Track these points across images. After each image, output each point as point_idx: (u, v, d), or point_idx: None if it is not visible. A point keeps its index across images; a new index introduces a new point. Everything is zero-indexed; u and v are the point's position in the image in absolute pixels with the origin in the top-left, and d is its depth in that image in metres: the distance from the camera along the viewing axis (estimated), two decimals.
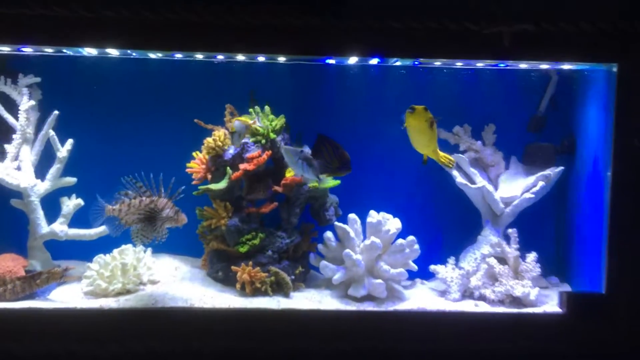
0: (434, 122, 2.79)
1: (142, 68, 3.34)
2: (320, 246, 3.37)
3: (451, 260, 3.59)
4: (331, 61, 3.32)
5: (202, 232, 3.44)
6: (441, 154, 2.99)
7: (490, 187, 3.60)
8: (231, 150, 3.39)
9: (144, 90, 3.47)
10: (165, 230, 2.97)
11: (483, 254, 3.56)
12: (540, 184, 3.54)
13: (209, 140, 3.33)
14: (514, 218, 3.63)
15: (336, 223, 3.49)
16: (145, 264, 3.34)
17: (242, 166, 3.34)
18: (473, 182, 3.65)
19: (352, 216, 3.52)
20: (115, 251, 3.31)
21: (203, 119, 3.43)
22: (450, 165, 3.04)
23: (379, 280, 3.41)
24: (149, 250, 3.45)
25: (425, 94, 3.63)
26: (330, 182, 3.46)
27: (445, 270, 3.52)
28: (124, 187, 2.90)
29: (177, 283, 3.24)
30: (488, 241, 3.62)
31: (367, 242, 3.42)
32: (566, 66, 3.27)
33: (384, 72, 3.68)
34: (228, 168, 3.32)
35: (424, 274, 3.49)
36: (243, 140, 3.42)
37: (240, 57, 3.04)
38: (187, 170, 3.36)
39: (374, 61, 3.24)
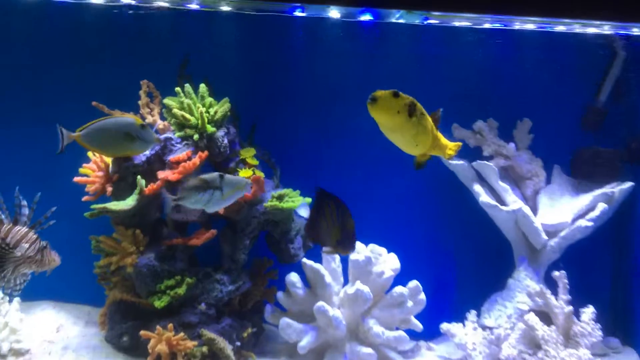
0: (416, 110, 1.63)
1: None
2: (280, 295, 2.48)
3: (471, 315, 2.49)
4: (300, 14, 2.16)
5: (102, 274, 2.25)
6: (445, 142, 1.83)
7: (527, 210, 2.49)
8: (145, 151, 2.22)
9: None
10: (22, 277, 1.79)
11: (518, 308, 2.44)
12: (601, 206, 2.45)
13: None
14: (560, 254, 2.54)
15: (304, 260, 2.37)
16: (6, 323, 2.14)
17: (161, 174, 2.17)
18: (503, 202, 2.54)
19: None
20: None
21: (106, 102, 2.23)
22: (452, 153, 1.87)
23: (368, 349, 2.29)
24: (16, 300, 2.24)
25: (428, 70, 2.52)
26: (296, 198, 2.31)
27: (463, 332, 2.42)
28: None
29: (56, 356, 2.03)
30: (524, 288, 2.52)
31: (351, 289, 2.29)
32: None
33: (383, 34, 2.55)
34: (139, 177, 2.15)
35: (432, 333, 2.58)
36: (164, 135, 2.25)
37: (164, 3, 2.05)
38: (76, 179, 2.16)
39: (366, 17, 2.09)
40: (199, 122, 2.22)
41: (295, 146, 2.61)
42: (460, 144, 1.87)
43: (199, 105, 2.24)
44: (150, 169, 2.22)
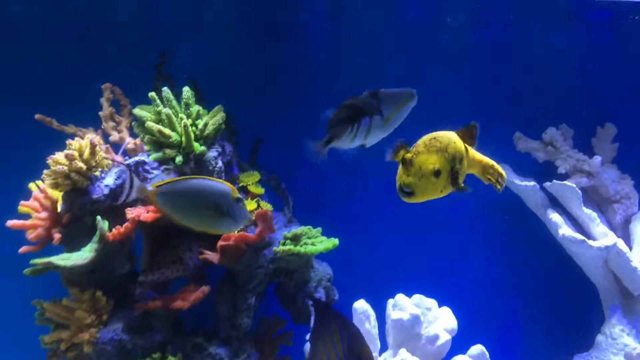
0: (460, 172, 1.18)
1: None
2: None
3: None
4: None
5: (52, 353, 1.62)
6: (485, 160, 1.29)
7: (623, 246, 1.87)
8: (109, 180, 1.60)
9: None
10: None
11: None
12: None
13: (57, 159, 1.52)
14: None
15: None
16: None
17: (131, 212, 1.55)
18: (588, 235, 1.92)
19: (360, 305, 1.78)
20: None
21: (53, 113, 1.62)
22: (498, 186, 1.28)
23: None
24: None
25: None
26: (318, 239, 1.70)
27: None
28: None
29: None
30: (620, 348, 1.89)
31: None
32: None
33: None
34: (99, 218, 1.53)
35: None
36: (135, 159, 1.64)
37: None
38: (10, 223, 1.54)
39: None
40: (183, 138, 1.61)
41: (314, 168, 2.00)
42: (504, 175, 1.26)
43: (182, 115, 1.63)
44: (114, 205, 1.60)
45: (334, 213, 1.96)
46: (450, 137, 1.16)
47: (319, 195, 2.01)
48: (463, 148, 1.20)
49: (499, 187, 1.25)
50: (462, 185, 1.18)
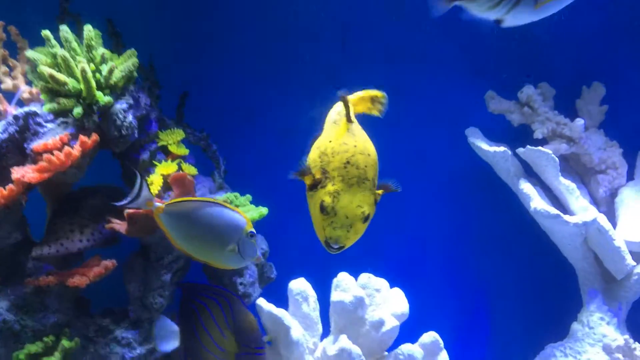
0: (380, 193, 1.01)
1: None
2: None
3: None
4: None
5: None
6: (360, 95, 1.19)
7: (605, 222, 1.62)
8: None
9: None
10: None
11: None
12: None
13: None
14: None
15: (260, 303, 1.53)
16: None
17: (17, 172, 1.31)
18: (565, 210, 1.67)
19: (297, 286, 1.56)
20: None
21: None
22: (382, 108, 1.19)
23: None
24: None
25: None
26: (245, 208, 1.47)
27: None
28: None
29: None
30: (598, 338, 1.66)
31: (332, 348, 1.48)
32: None
33: None
34: None
35: None
36: (25, 109, 1.39)
37: None
38: None
39: None
40: (82, 86, 1.36)
41: (252, 127, 1.76)
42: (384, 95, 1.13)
43: (80, 59, 1.38)
44: (1, 164, 1.36)
45: (273, 179, 1.71)
46: (364, 152, 0.97)
47: (256, 158, 1.77)
48: (375, 152, 1.02)
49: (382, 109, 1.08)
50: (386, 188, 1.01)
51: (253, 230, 1.25)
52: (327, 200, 0.91)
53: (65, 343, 1.35)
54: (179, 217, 1.26)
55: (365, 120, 1.82)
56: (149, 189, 1.25)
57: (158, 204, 1.25)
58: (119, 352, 1.42)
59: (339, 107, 1.11)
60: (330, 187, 0.92)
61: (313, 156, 1.01)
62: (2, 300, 1.36)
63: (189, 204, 1.26)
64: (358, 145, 0.96)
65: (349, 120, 1.01)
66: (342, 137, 0.99)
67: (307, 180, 0.98)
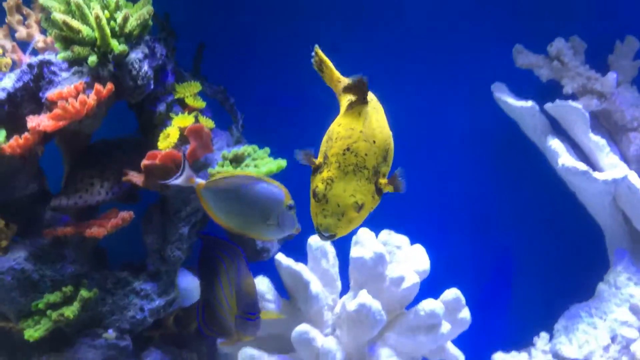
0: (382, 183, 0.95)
1: None
2: None
3: (541, 340, 1.61)
4: None
5: None
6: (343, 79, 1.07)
7: (635, 179, 1.56)
8: (7, 82, 1.34)
9: None
10: None
11: (623, 335, 1.55)
12: None
13: None
14: None
15: (279, 258, 1.51)
16: None
17: (32, 121, 1.30)
18: (594, 167, 1.61)
19: (315, 241, 1.53)
20: None
21: None
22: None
23: None
24: None
25: None
26: (263, 161, 1.43)
27: None
28: None
29: None
30: (625, 299, 1.62)
31: (352, 304, 1.46)
32: None
33: None
34: None
35: None
36: (39, 58, 1.37)
37: None
38: None
39: None
40: (96, 34, 1.33)
41: (271, 82, 1.71)
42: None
43: (94, 5, 1.34)
44: (15, 112, 1.34)
45: (291, 134, 1.68)
46: (369, 139, 0.91)
47: (274, 114, 1.73)
48: (387, 135, 0.96)
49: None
50: (394, 183, 0.94)
51: (292, 202, 1.23)
52: (320, 186, 0.88)
53: (84, 293, 1.35)
54: (220, 193, 1.25)
55: (388, 79, 1.77)
56: (190, 173, 1.23)
57: (199, 180, 1.24)
58: (138, 304, 1.42)
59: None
60: (325, 174, 0.88)
61: (324, 138, 0.97)
62: (20, 250, 1.35)
63: (229, 180, 1.26)
64: (365, 131, 0.91)
65: (362, 101, 0.95)
66: (352, 121, 0.94)
67: (311, 165, 0.93)
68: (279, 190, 1.24)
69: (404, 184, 0.96)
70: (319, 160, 0.93)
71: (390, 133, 0.96)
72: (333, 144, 0.91)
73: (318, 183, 0.88)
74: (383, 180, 0.93)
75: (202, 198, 1.26)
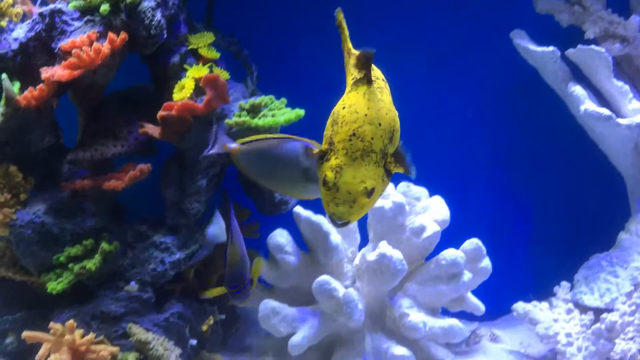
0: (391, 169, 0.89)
1: None
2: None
3: (562, 290, 1.61)
4: None
5: None
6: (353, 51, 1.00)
7: None
8: (19, 32, 1.31)
9: None
10: None
11: None
12: None
13: None
14: None
15: (298, 210, 1.50)
16: None
17: (46, 72, 1.27)
18: (619, 114, 1.58)
19: None
20: None
21: None
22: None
23: (401, 350, 1.43)
24: None
25: None
26: (280, 111, 1.41)
27: (549, 315, 1.55)
28: None
29: None
30: None
31: (372, 254, 1.44)
32: None
33: None
34: (4, 76, 1.26)
35: (498, 314, 1.78)
36: (50, 7, 1.33)
37: None
38: None
39: None
40: None
41: (287, 32, 1.67)
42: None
43: None
44: (28, 63, 1.32)
45: (307, 85, 1.65)
46: (374, 122, 0.87)
47: (288, 66, 1.70)
48: (393, 116, 0.91)
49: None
50: (400, 161, 0.89)
51: None
52: (330, 175, 0.85)
53: (105, 246, 1.34)
54: (255, 155, 1.22)
55: (407, 30, 1.72)
56: (224, 139, 1.21)
57: (234, 145, 1.21)
58: (159, 257, 1.41)
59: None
60: (333, 161, 0.85)
61: (329, 121, 0.93)
62: (39, 203, 1.35)
63: (262, 142, 1.22)
64: (369, 114, 0.88)
65: (368, 81, 0.91)
66: (356, 102, 0.90)
67: (315, 156, 0.91)
68: (312, 146, 1.22)
69: (414, 168, 0.92)
70: (324, 146, 0.90)
71: (396, 113, 0.93)
72: (338, 129, 0.88)
73: (327, 171, 0.86)
74: (389, 160, 0.91)
75: (240, 162, 1.24)
